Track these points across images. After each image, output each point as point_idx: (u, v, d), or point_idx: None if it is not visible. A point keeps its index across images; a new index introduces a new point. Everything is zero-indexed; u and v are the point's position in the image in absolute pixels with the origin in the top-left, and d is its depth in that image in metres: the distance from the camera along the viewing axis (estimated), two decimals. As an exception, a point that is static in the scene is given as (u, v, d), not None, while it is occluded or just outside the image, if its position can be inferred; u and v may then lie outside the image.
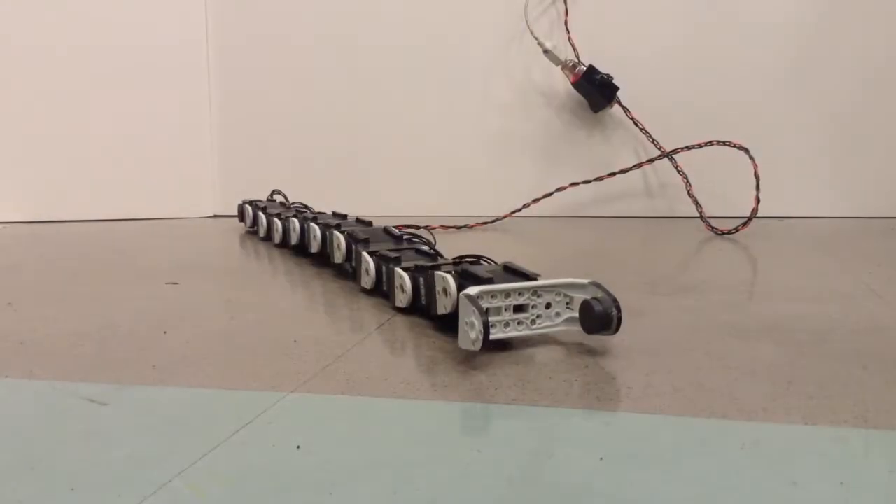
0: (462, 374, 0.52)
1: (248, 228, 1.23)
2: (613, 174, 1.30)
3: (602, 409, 0.46)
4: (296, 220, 0.98)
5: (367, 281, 0.75)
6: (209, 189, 1.49)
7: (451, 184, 1.42)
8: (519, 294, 0.57)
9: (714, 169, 1.28)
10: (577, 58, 1.33)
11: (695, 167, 1.27)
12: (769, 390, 0.48)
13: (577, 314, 0.58)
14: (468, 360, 0.55)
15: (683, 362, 0.54)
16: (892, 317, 0.66)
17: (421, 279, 0.65)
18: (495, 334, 0.55)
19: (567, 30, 1.35)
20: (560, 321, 0.59)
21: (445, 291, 0.59)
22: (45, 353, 0.58)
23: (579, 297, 0.58)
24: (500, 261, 0.65)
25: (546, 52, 1.32)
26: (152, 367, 0.55)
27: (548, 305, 0.58)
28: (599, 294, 0.56)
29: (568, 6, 1.35)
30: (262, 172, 1.45)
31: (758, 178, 1.17)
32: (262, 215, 1.13)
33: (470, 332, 0.53)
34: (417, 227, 1.00)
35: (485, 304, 0.55)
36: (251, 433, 0.42)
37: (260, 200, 1.24)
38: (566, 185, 1.30)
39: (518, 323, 0.57)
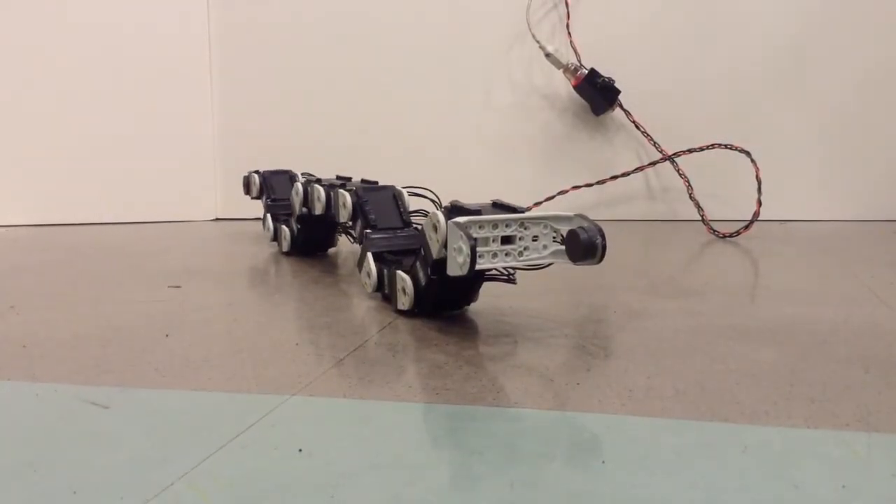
0: (464, 377, 0.52)
1: (253, 197, 1.20)
2: (615, 177, 1.30)
3: (604, 412, 0.46)
4: (299, 185, 0.95)
5: (370, 285, 0.76)
6: (211, 192, 1.49)
7: (452, 186, 1.41)
8: (506, 225, 0.58)
9: (716, 172, 1.28)
10: (579, 61, 1.33)
11: (696, 170, 1.27)
12: (771, 393, 0.48)
13: (563, 246, 0.58)
14: (470, 364, 0.55)
15: (685, 365, 0.54)
16: (894, 320, 0.66)
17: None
18: (483, 264, 0.57)
19: (569, 33, 1.35)
20: (547, 253, 0.60)
21: (435, 228, 0.60)
22: (47, 356, 0.59)
23: (566, 229, 0.59)
24: None
25: (548, 55, 1.33)
26: (154, 370, 0.55)
27: (535, 238, 0.59)
28: (585, 224, 0.58)
29: (570, 10, 1.36)
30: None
31: (759, 182, 1.17)
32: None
33: (458, 257, 0.56)
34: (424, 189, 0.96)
35: (473, 234, 0.56)
36: (253, 436, 0.43)
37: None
38: (568, 188, 1.30)
39: (506, 254, 0.58)
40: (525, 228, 0.59)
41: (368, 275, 0.75)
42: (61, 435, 0.44)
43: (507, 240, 0.59)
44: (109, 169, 1.42)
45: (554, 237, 0.60)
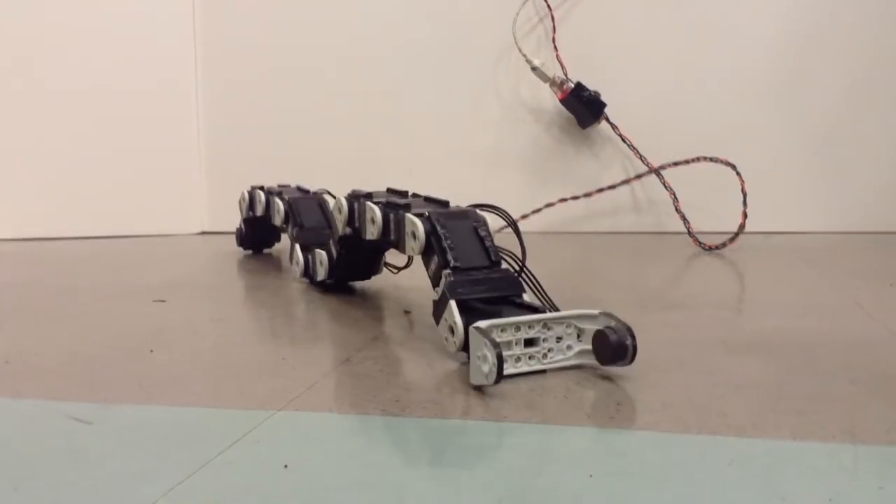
0: (451, 392, 0.52)
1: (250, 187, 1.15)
2: (602, 190, 1.31)
3: (591, 425, 0.46)
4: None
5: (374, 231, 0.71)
6: (197, 206, 1.48)
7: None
8: (529, 327, 0.55)
9: (701, 185, 1.29)
10: (565, 75, 1.34)
11: (682, 183, 1.28)
12: (758, 406, 0.48)
13: (588, 346, 0.56)
14: (459, 378, 0.55)
15: (672, 378, 0.54)
16: (879, 331, 0.67)
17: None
18: (507, 370, 0.53)
19: (555, 47, 1.36)
20: (572, 354, 0.57)
21: (452, 330, 0.58)
22: (31, 372, 0.58)
23: (590, 328, 0.56)
24: None
25: (534, 69, 1.33)
26: (139, 386, 0.54)
27: (559, 339, 0.57)
28: (612, 323, 0.55)
29: (555, 24, 1.37)
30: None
31: (745, 194, 1.18)
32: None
33: (483, 366, 0.51)
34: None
35: (496, 338, 0.52)
36: (238, 452, 0.42)
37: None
38: (555, 200, 1.31)
39: (529, 357, 0.55)
40: (548, 329, 0.56)
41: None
42: (44, 451, 0.43)
43: (529, 342, 0.56)
44: (93, 182, 1.41)
45: (578, 335, 0.57)
